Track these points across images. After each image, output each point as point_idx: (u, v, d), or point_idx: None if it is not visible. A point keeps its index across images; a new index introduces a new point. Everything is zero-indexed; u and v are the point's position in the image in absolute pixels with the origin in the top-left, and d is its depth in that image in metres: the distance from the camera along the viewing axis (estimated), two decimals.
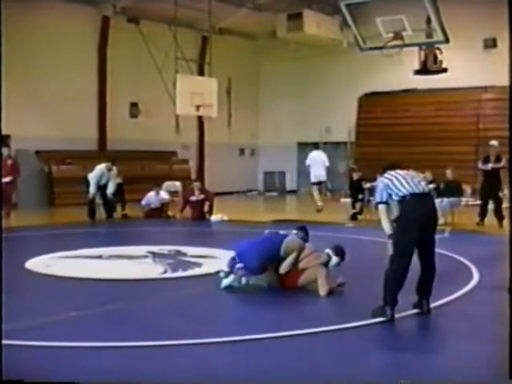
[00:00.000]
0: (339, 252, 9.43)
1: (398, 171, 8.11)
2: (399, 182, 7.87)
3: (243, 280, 9.27)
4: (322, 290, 8.98)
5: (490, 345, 6.63)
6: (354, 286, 9.32)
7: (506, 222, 16.59)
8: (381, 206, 8.07)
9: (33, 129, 23.95)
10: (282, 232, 9.88)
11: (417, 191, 7.81)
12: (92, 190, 19.15)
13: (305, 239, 9.76)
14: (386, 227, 8.00)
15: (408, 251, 7.74)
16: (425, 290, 7.99)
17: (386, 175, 8.12)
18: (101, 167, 19.55)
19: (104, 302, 8.69)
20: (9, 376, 5.08)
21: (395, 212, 7.99)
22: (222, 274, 9.68)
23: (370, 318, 7.59)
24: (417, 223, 7.73)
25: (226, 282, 9.41)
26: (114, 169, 19.52)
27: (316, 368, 6.18)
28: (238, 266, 9.32)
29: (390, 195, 7.95)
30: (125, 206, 20.50)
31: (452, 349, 6.80)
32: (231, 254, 9.75)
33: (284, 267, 9.33)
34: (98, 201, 19.56)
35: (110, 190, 19.44)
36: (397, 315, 7.63)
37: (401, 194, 7.81)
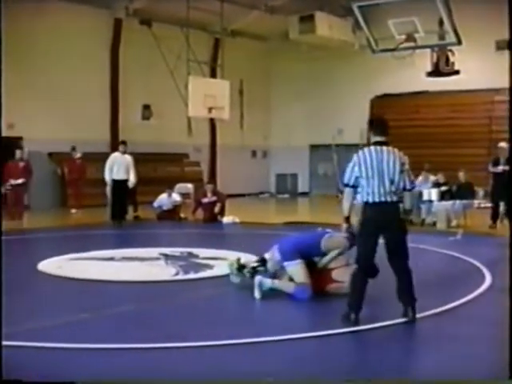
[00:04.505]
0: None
1: (373, 154, 7.60)
2: (368, 180, 7.48)
3: (268, 282, 8.99)
4: None
5: (498, 346, 6.62)
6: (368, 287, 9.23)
7: None
8: (347, 189, 7.71)
9: (45, 131, 24.03)
10: (328, 230, 9.55)
11: (379, 199, 7.47)
12: (106, 176, 18.97)
13: (352, 245, 9.51)
14: (344, 208, 7.74)
15: (366, 259, 7.58)
16: (405, 296, 7.64)
17: (361, 157, 7.62)
18: (114, 154, 19.64)
19: (116, 304, 8.70)
20: (21, 378, 5.12)
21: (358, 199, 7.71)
22: (232, 268, 9.75)
23: (377, 321, 7.57)
24: (376, 232, 7.52)
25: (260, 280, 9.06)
26: (130, 157, 19.28)
27: (325, 369, 6.18)
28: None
29: (356, 178, 7.60)
30: (137, 207, 20.53)
31: (459, 350, 6.78)
32: (243, 256, 9.73)
33: (323, 262, 9.19)
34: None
35: (132, 179, 19.10)
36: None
37: (364, 197, 7.54)
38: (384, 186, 7.51)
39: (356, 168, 7.59)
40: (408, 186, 7.75)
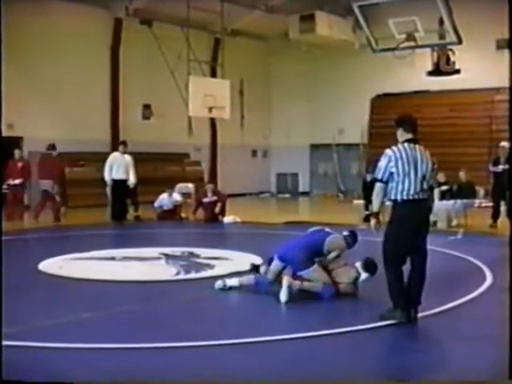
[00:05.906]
0: (369, 267, 9.05)
1: (408, 151, 7.58)
2: (404, 176, 7.46)
3: (296, 284, 8.84)
4: None
5: (498, 346, 6.62)
6: (369, 288, 9.24)
7: None
8: (379, 185, 7.66)
9: (45, 131, 24.00)
10: (326, 229, 9.59)
11: (413, 197, 7.48)
12: (106, 175, 19.10)
13: (350, 245, 9.43)
14: (375, 204, 7.76)
15: (399, 258, 7.56)
16: (414, 296, 7.62)
17: (396, 153, 7.57)
18: (113, 154, 19.69)
19: (116, 304, 8.70)
20: (21, 378, 5.11)
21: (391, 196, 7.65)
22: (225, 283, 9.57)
23: (378, 320, 7.57)
24: (409, 229, 7.51)
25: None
26: (129, 157, 19.40)
27: (325, 369, 6.18)
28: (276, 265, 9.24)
29: (391, 174, 7.56)
30: (137, 207, 20.52)
31: (459, 350, 6.79)
32: (244, 256, 9.71)
33: (325, 263, 9.16)
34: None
35: (132, 179, 19.28)
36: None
37: (398, 194, 7.52)
38: (418, 184, 7.54)
39: (392, 163, 7.56)
40: (434, 185, 7.83)
